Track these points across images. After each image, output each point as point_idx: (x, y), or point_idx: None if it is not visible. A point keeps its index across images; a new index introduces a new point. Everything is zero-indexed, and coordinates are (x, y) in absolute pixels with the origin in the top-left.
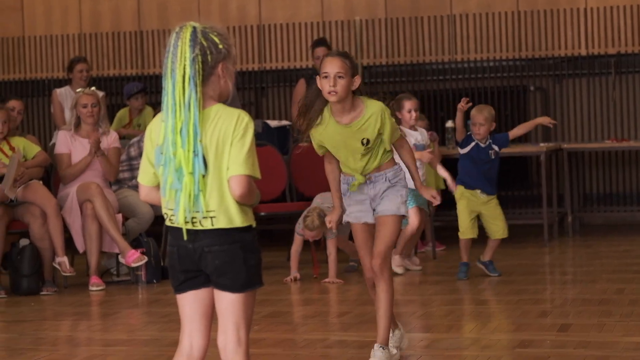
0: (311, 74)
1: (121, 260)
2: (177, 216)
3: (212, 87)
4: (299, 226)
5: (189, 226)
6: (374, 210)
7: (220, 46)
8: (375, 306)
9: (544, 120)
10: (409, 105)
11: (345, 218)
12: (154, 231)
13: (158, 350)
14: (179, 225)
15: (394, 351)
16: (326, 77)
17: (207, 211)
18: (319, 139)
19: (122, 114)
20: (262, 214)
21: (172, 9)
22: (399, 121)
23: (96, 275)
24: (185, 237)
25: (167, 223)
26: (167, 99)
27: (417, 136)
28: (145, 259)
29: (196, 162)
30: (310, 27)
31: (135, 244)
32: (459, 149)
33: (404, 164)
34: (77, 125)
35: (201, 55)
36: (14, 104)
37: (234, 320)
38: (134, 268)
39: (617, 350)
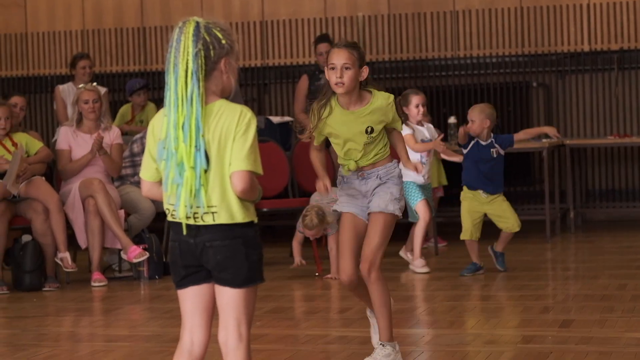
0: (314, 70)
1: (123, 256)
2: (178, 211)
3: (214, 83)
4: (299, 225)
5: (191, 221)
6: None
7: (223, 41)
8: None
9: (550, 130)
10: (417, 100)
11: (335, 207)
12: (156, 227)
13: (160, 346)
14: (180, 220)
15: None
16: (333, 68)
17: (209, 206)
18: (324, 129)
19: (125, 110)
20: (265, 210)
21: (174, 5)
22: (405, 117)
23: (98, 271)
24: (184, 232)
25: (169, 218)
26: (170, 93)
27: (425, 132)
28: (147, 255)
29: (198, 156)
30: (313, 23)
31: (137, 240)
32: (462, 150)
33: (392, 144)
34: (79, 121)
35: (204, 50)
36: (17, 100)
37: (235, 315)
38: (136, 264)
39: (619, 346)
